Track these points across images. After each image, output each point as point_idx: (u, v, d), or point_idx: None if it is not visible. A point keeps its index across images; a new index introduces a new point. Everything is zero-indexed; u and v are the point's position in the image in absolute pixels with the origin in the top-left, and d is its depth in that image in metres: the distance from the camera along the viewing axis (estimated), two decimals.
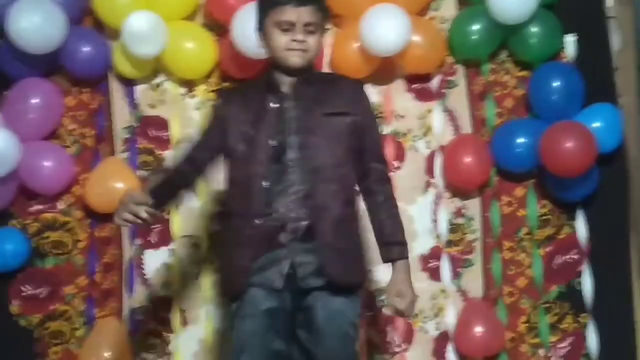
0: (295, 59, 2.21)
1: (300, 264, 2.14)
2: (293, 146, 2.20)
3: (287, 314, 2.17)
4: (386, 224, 2.25)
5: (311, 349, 2.15)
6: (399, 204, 2.88)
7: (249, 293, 2.13)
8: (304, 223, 2.15)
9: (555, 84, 2.93)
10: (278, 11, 2.20)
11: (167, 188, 2.30)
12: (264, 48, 2.29)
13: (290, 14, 2.19)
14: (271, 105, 2.25)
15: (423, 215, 3.07)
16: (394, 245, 2.26)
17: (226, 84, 3.07)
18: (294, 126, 2.22)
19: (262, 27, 2.26)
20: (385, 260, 2.27)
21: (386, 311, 2.92)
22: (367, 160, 2.27)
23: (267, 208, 2.13)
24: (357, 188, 2.29)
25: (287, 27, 2.20)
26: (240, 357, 2.11)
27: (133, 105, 3.10)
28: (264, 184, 2.16)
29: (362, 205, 2.28)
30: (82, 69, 3.02)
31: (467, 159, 2.99)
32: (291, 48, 2.20)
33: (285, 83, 2.25)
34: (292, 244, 2.15)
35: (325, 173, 2.19)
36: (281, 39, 2.20)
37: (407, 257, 2.27)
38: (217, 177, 2.90)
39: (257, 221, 2.13)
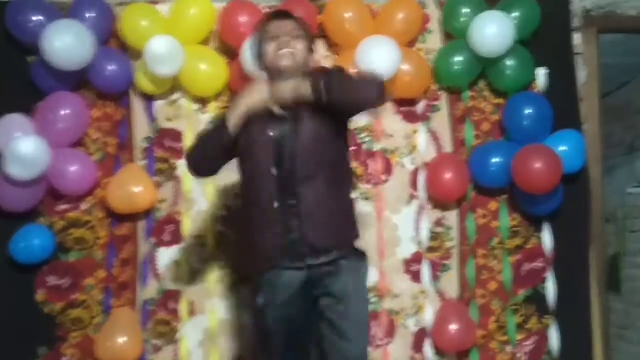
0: (284, 62, 2.34)
1: None
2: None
3: None
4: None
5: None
6: (385, 213, 3.11)
7: None
8: None
9: (527, 111, 3.07)
10: (266, 26, 2.40)
11: None
12: (263, 69, 2.43)
13: (275, 26, 2.38)
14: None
15: (407, 224, 3.19)
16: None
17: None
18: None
19: (259, 51, 2.43)
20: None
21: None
22: None
23: None
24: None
25: (274, 37, 2.37)
26: None
27: (151, 118, 3.18)
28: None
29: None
30: (107, 84, 3.10)
31: (447, 175, 3.11)
32: (279, 48, 2.35)
33: None
34: None
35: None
36: (270, 46, 2.37)
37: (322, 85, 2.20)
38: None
39: None
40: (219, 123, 2.38)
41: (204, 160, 2.45)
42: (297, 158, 2.30)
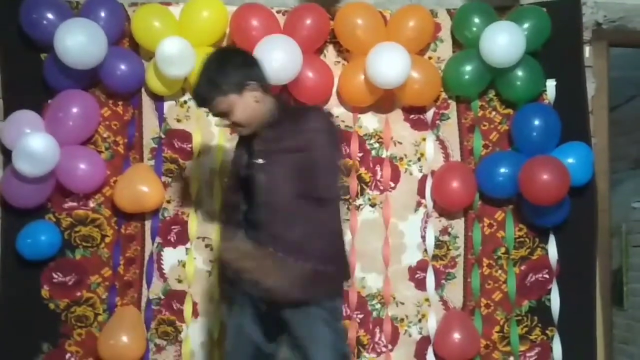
0: (241, 135, 2.41)
1: None
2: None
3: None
4: None
5: None
6: (392, 220, 3.10)
7: None
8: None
9: (536, 122, 3.07)
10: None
11: None
12: None
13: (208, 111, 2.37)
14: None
15: (413, 231, 3.19)
16: None
17: None
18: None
19: None
20: None
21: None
22: None
23: None
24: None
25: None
26: None
27: (161, 118, 3.18)
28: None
29: None
30: (118, 84, 3.10)
31: (455, 184, 3.11)
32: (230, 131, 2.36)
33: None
34: None
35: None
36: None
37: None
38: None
39: None
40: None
41: None
42: None
